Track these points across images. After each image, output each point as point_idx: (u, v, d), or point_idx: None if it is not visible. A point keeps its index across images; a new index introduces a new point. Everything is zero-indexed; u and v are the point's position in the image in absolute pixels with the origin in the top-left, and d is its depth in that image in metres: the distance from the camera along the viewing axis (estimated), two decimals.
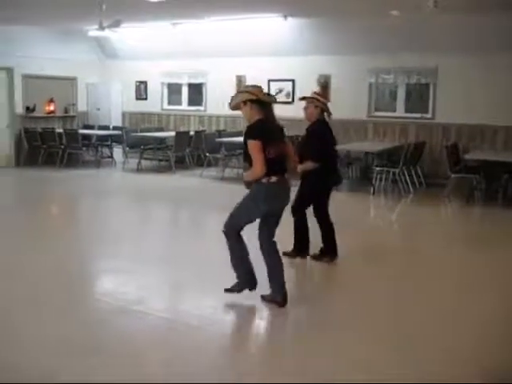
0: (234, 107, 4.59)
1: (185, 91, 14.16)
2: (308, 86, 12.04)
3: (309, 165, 5.66)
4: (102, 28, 10.23)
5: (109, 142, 13.45)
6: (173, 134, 12.53)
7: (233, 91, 12.77)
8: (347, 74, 11.85)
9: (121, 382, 3.44)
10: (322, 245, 5.98)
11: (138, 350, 3.91)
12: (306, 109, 5.82)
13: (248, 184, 4.58)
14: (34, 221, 8.05)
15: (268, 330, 4.49)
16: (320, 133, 5.78)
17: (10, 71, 12.77)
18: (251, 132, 4.42)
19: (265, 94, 4.58)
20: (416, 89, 11.70)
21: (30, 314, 4.51)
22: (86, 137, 13.18)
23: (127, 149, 13.01)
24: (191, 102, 14.08)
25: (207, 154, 11.85)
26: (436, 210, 9.17)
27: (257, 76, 12.66)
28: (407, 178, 10.21)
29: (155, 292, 5.12)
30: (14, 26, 12.16)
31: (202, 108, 13.81)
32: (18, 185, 11.66)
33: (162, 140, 12.74)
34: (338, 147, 10.76)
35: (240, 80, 12.95)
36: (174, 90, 14.39)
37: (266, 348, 4.11)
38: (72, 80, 14.21)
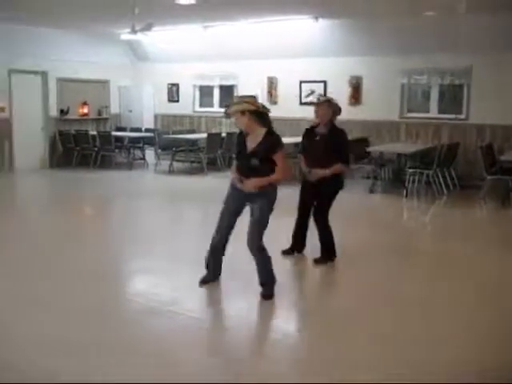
0: (231, 114, 4.77)
1: (216, 93, 14.21)
2: (340, 88, 12.05)
3: (339, 167, 5.68)
4: (134, 31, 10.33)
5: (141, 144, 13.58)
6: (204, 135, 12.59)
7: (264, 93, 12.88)
8: (379, 75, 11.76)
9: (149, 382, 3.46)
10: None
11: (168, 351, 3.92)
12: (317, 111, 5.77)
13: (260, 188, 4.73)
14: (67, 221, 8.15)
15: (293, 332, 4.46)
16: (344, 134, 5.78)
17: (44, 75, 12.98)
18: (279, 143, 4.72)
19: (259, 104, 4.73)
20: (449, 89, 11.54)
21: (60, 313, 4.55)
22: (119, 139, 13.32)
23: (159, 151, 13.11)
24: (223, 104, 14.10)
25: None
26: (471, 213, 9.05)
27: (288, 77, 12.69)
28: (441, 179, 10.07)
29: (187, 292, 5.13)
30: (50, 28, 12.38)
31: None
32: (53, 186, 11.84)
33: (193, 142, 12.80)
34: (371, 148, 10.83)
35: (271, 82, 12.95)
36: (205, 92, 14.45)
37: (292, 350, 4.07)
38: (105, 83, 14.38)
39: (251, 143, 4.76)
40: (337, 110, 5.76)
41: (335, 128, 5.77)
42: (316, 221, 5.90)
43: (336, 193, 5.85)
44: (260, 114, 4.68)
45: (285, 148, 4.79)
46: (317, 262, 5.87)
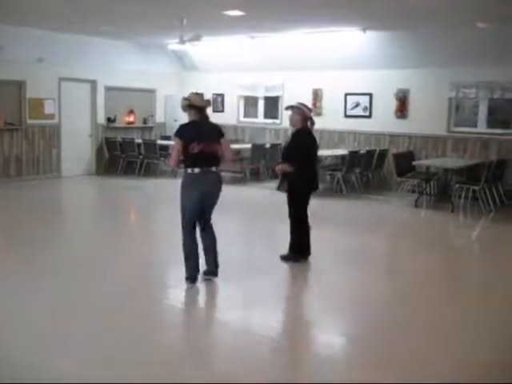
0: (183, 110, 5.51)
1: (261, 104, 14.23)
2: (385, 100, 11.93)
3: (285, 167, 6.07)
4: (182, 42, 10.46)
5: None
6: (249, 146, 12.61)
7: (309, 104, 12.80)
8: (426, 88, 11.58)
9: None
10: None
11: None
12: (291, 116, 6.22)
13: None
14: (116, 227, 8.28)
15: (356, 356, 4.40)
16: (304, 138, 6.14)
17: (93, 83, 13.23)
18: (176, 130, 5.40)
19: (202, 100, 5.44)
20: (499, 104, 11.29)
21: (129, 321, 4.62)
22: (164, 147, 13.47)
23: None
24: (267, 115, 14.12)
25: None
26: None
27: (333, 89, 12.63)
28: (488, 195, 9.84)
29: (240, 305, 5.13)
30: (99, 38, 12.65)
31: (277, 121, 13.82)
32: (100, 192, 12.07)
33: (237, 152, 12.82)
34: (417, 162, 10.67)
35: (317, 93, 12.90)
36: (250, 102, 14.49)
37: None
38: (151, 92, 14.59)
39: None
40: (306, 117, 6.14)
41: (296, 132, 6.20)
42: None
43: (294, 191, 6.13)
44: (198, 108, 5.37)
45: (178, 139, 5.26)
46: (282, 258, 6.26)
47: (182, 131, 5.32)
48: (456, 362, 4.00)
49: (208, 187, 5.33)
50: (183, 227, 5.38)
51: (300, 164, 6.02)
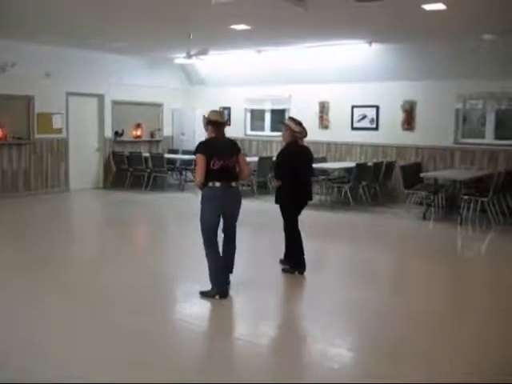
0: (204, 128, 5.54)
1: (268, 117, 14.25)
2: (392, 112, 11.93)
3: (277, 183, 6.36)
4: (189, 56, 10.51)
5: (192, 166, 13.70)
6: (255, 159, 12.62)
7: (315, 117, 12.83)
8: (433, 99, 11.58)
9: None
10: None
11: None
12: (283, 133, 6.37)
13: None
14: (127, 240, 8.27)
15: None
16: (286, 154, 6.27)
17: (101, 98, 13.31)
18: (197, 147, 5.39)
19: (219, 116, 5.52)
20: (507, 115, 11.25)
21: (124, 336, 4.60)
22: (171, 161, 13.50)
23: None
24: (274, 128, 14.13)
25: None
26: None
27: (340, 102, 12.63)
28: (497, 207, 9.78)
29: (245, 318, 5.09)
30: (106, 53, 12.72)
31: None
32: (108, 206, 12.05)
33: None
34: (425, 174, 10.63)
35: (323, 106, 12.91)
36: (257, 115, 14.52)
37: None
38: (158, 106, 14.65)
39: None
40: (293, 132, 6.18)
41: (282, 148, 6.45)
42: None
43: (285, 205, 6.30)
44: (215, 124, 5.41)
45: (202, 155, 5.24)
46: (283, 270, 6.41)
47: (204, 148, 5.34)
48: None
49: (228, 201, 5.43)
50: (206, 243, 5.43)
51: (283, 179, 6.24)
